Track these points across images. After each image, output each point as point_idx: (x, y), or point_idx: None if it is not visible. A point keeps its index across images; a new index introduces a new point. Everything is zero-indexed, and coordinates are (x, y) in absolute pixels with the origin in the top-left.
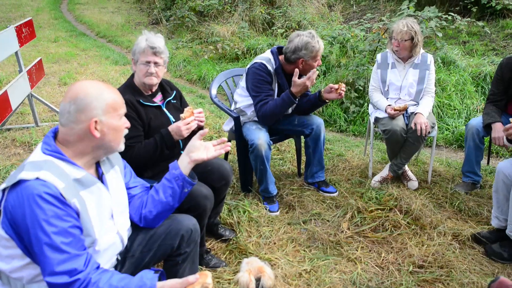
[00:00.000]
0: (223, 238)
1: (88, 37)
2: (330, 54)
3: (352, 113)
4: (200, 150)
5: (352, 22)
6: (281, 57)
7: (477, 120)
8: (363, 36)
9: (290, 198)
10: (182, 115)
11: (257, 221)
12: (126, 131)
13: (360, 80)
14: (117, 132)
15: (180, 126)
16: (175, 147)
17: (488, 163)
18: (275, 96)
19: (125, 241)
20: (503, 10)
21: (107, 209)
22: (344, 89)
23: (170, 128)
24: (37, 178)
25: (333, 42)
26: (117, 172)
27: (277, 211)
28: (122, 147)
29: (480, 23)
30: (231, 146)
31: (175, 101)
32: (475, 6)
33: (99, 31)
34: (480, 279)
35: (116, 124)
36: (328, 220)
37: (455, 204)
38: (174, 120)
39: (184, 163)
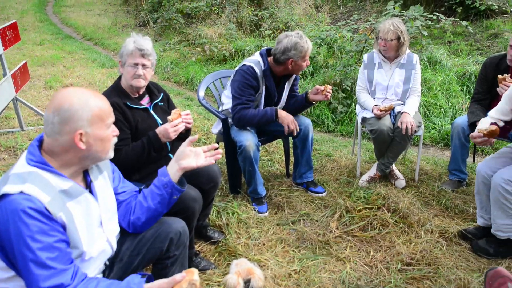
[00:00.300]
0: (212, 240)
1: (74, 40)
2: (317, 55)
3: (340, 113)
4: (190, 157)
5: (339, 23)
6: (270, 59)
7: (462, 119)
8: (350, 37)
9: (278, 199)
10: (169, 117)
11: (246, 223)
12: (115, 140)
13: (347, 81)
14: (104, 142)
15: (167, 128)
16: (163, 149)
17: (473, 161)
18: (262, 98)
19: (115, 247)
20: (487, 11)
21: (95, 218)
22: (330, 91)
23: (158, 130)
24: (21, 192)
25: (322, 44)
26: (106, 178)
27: (266, 212)
28: (111, 155)
29: (464, 23)
30: (221, 153)
31: (162, 104)
32: (459, 6)
33: (85, 34)
34: (467, 275)
35: (103, 134)
36: (316, 220)
37: (442, 202)
38: (161, 123)
39: (173, 170)
